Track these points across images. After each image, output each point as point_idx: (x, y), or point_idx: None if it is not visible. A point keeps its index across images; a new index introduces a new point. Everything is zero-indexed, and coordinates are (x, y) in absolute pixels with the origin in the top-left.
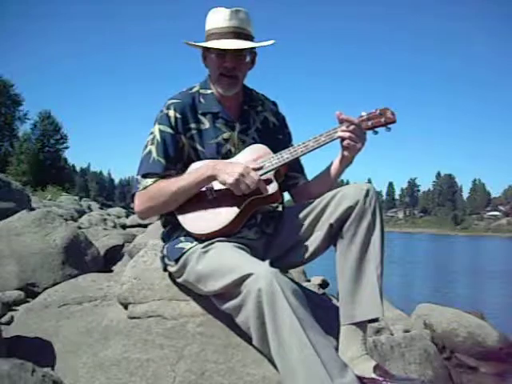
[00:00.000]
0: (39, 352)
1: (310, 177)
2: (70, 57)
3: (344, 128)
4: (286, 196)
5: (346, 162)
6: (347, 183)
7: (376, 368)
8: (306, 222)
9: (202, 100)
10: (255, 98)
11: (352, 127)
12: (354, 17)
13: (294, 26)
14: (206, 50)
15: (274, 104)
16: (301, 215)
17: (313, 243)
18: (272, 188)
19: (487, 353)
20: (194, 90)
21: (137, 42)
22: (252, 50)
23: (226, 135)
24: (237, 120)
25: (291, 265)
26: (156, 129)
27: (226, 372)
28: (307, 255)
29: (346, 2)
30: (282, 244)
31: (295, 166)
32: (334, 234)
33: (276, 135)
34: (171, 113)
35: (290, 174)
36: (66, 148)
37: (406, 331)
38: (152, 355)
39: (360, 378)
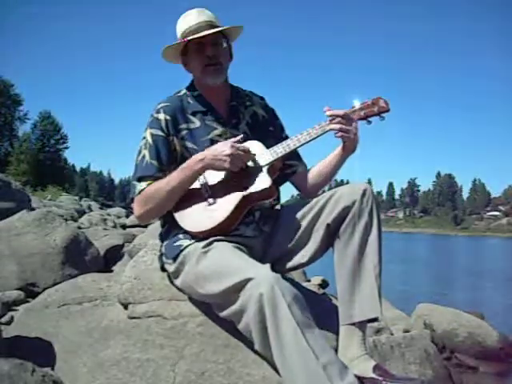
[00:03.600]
0: (39, 352)
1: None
2: (70, 57)
3: (334, 120)
4: (284, 196)
5: (346, 152)
6: (347, 183)
7: (376, 368)
8: (304, 223)
9: (190, 101)
10: (242, 95)
11: (339, 119)
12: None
13: (287, 17)
14: (185, 53)
15: (262, 98)
16: (298, 216)
17: (312, 245)
18: (265, 183)
19: (487, 353)
20: (182, 93)
21: (138, 41)
22: (228, 42)
23: (217, 131)
24: (226, 116)
25: (292, 267)
26: (147, 133)
27: (226, 372)
28: (308, 258)
29: None
30: (281, 245)
31: (292, 154)
32: (331, 235)
33: (267, 127)
34: (161, 116)
35: (287, 162)
36: (66, 148)
37: (406, 331)
38: (152, 355)
39: (360, 378)
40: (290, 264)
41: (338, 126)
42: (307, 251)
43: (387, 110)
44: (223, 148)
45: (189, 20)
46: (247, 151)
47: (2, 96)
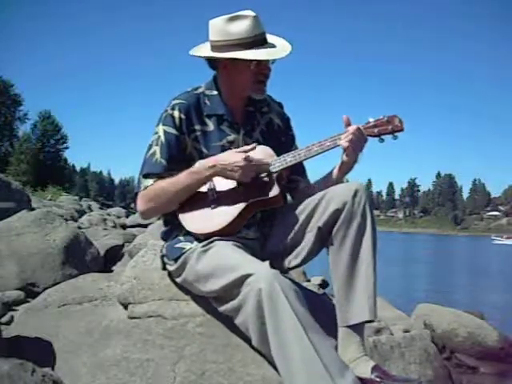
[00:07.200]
0: (39, 352)
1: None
2: (70, 56)
3: (347, 134)
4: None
5: (345, 169)
6: (347, 181)
7: (374, 369)
8: (298, 224)
9: (206, 101)
10: (261, 100)
11: (351, 137)
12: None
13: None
14: (232, 58)
15: (280, 105)
16: (292, 216)
17: (305, 247)
18: (274, 191)
19: (487, 353)
20: (199, 90)
21: (137, 40)
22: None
23: (230, 138)
24: (241, 122)
25: (286, 268)
26: (160, 129)
27: (226, 372)
28: (301, 259)
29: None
30: (276, 246)
31: (297, 168)
32: (324, 238)
33: (280, 137)
34: (176, 113)
35: (291, 176)
36: (66, 148)
37: (406, 331)
38: (152, 355)
39: (358, 380)
40: (283, 264)
41: (346, 145)
42: (300, 252)
43: (401, 130)
44: (236, 158)
45: (246, 27)
46: (260, 163)
47: (2, 96)
